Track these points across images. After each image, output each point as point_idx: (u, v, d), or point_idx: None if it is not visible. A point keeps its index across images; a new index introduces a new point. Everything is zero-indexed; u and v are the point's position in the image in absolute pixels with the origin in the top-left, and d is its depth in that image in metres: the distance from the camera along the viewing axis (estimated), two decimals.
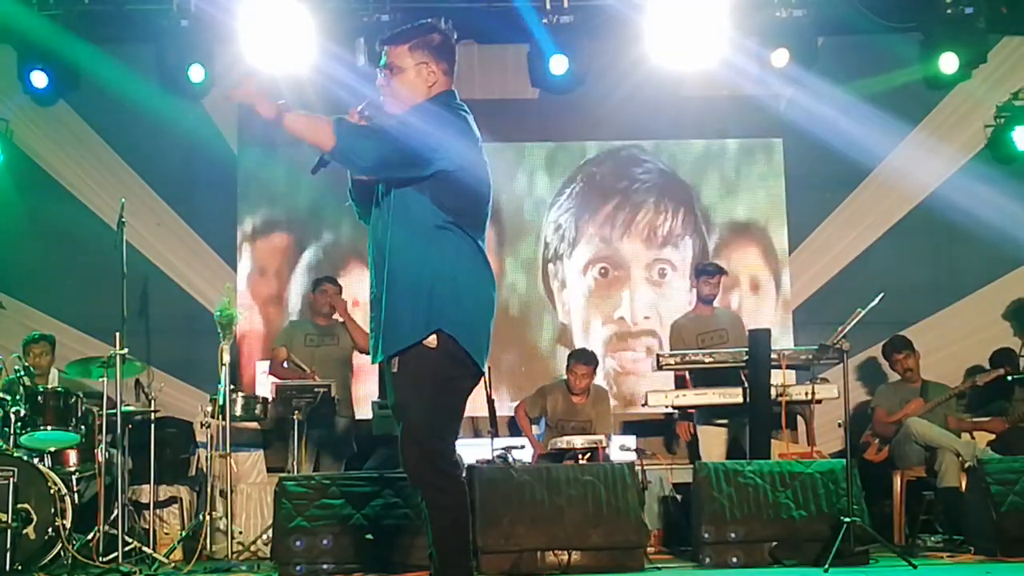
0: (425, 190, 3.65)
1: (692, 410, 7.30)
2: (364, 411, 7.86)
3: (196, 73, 8.14)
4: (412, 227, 3.65)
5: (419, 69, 3.76)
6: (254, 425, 7.53)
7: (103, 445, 6.36)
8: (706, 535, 5.96)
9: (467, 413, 8.08)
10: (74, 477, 6.51)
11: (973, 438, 7.31)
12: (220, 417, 6.58)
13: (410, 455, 3.65)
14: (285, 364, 7.39)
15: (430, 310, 3.62)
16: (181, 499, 7.19)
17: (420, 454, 3.64)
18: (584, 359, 7.40)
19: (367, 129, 3.65)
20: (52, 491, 5.99)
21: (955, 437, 7.05)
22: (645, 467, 6.84)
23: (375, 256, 3.74)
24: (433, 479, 3.65)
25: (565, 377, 7.47)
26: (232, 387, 6.75)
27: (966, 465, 6.76)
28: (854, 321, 6.30)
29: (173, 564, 6.46)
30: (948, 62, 8.28)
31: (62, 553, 5.94)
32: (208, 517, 6.54)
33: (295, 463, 6.78)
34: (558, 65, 8.26)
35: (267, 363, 7.84)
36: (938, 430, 7.05)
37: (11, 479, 5.86)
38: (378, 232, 3.73)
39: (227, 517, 6.57)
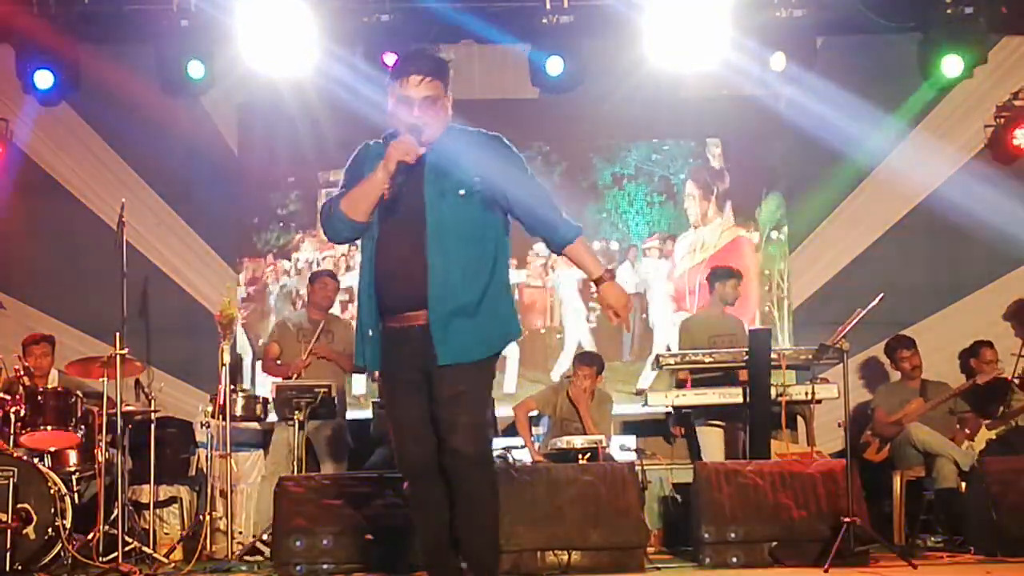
0: (500, 212, 3.97)
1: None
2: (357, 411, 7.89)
3: (195, 69, 8.12)
4: (486, 241, 3.93)
5: (447, 101, 3.97)
6: (254, 425, 7.53)
7: (103, 445, 6.36)
8: (706, 535, 5.95)
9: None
10: (74, 477, 6.51)
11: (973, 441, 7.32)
12: (220, 417, 6.58)
13: (473, 448, 3.82)
14: (278, 361, 7.37)
15: (514, 316, 4.00)
16: (181, 499, 7.19)
17: (482, 447, 3.88)
18: (587, 361, 7.42)
19: (554, 206, 4.00)
20: (52, 491, 5.99)
21: (954, 446, 7.05)
22: (645, 467, 6.84)
23: (462, 261, 3.85)
24: (489, 470, 3.90)
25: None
26: (232, 387, 6.75)
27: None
28: (854, 321, 6.30)
29: (173, 564, 6.46)
30: (951, 65, 8.27)
31: (62, 553, 5.94)
32: (208, 517, 6.54)
33: (295, 463, 6.76)
34: (554, 66, 8.25)
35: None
36: (938, 438, 7.04)
37: (11, 479, 5.87)
38: (435, 251, 3.83)
39: (227, 517, 6.57)
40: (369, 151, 4.05)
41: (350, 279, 8.38)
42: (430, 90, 3.90)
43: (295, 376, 7.15)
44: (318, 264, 8.58)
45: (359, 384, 8.46)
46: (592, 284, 4.02)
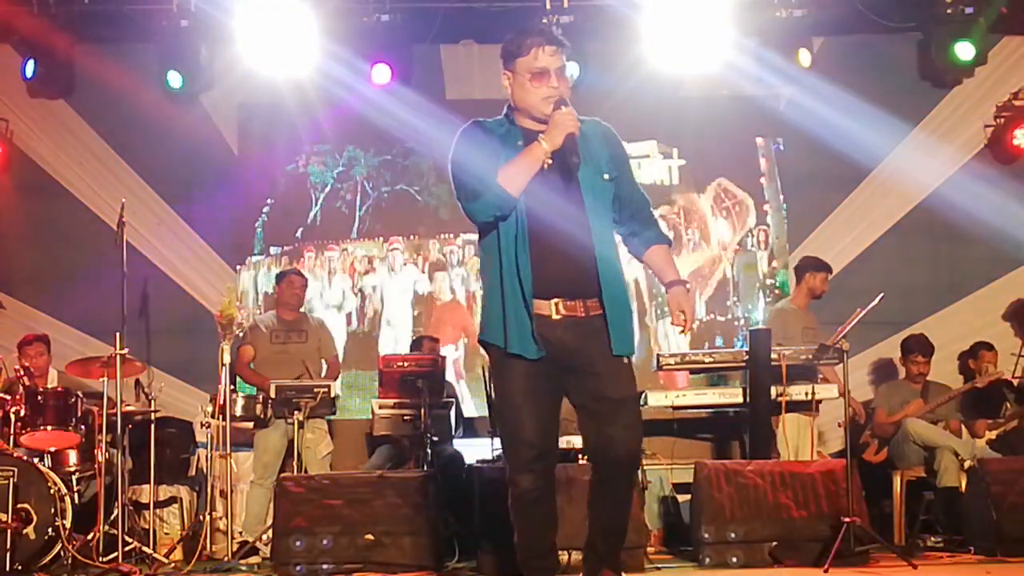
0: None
1: None
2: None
3: (173, 79, 8.10)
4: (616, 243, 3.94)
5: None
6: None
7: (103, 445, 6.36)
8: (706, 535, 5.95)
9: (467, 414, 8.13)
10: (74, 477, 6.51)
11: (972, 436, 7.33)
12: (220, 417, 6.58)
13: (636, 443, 3.84)
14: (252, 365, 7.31)
15: None
16: (181, 499, 7.19)
17: (640, 442, 3.88)
18: None
19: (649, 205, 4.09)
20: (52, 491, 5.99)
21: (953, 436, 7.07)
22: (645, 467, 6.83)
23: (613, 249, 3.87)
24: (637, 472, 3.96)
25: None
26: (232, 387, 6.74)
27: (965, 464, 6.78)
28: (854, 321, 6.30)
29: (173, 564, 6.45)
30: (963, 50, 8.24)
31: (62, 553, 5.94)
32: (208, 517, 6.54)
33: (297, 464, 6.76)
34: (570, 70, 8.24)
35: None
36: (936, 430, 7.07)
37: (11, 479, 5.87)
38: (598, 233, 3.81)
39: (227, 517, 6.57)
40: (490, 128, 3.90)
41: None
42: (562, 61, 3.83)
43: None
44: (329, 264, 8.60)
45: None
46: (664, 286, 3.97)
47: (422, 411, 6.54)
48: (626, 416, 3.77)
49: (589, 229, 3.76)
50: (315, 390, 6.79)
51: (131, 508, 6.50)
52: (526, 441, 3.76)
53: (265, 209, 8.71)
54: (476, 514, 6.01)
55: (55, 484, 6.08)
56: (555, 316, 3.75)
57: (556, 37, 3.86)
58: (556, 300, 3.76)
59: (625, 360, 3.81)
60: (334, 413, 7.20)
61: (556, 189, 3.77)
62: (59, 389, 6.58)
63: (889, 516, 7.08)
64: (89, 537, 6.12)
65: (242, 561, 6.47)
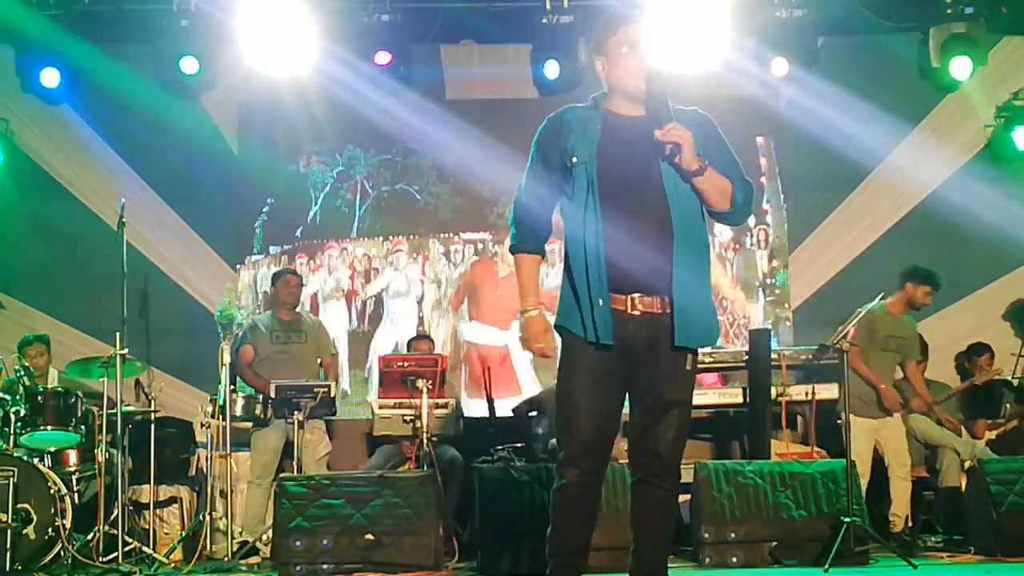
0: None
1: None
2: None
3: (189, 65, 8.08)
4: (703, 237, 3.79)
5: None
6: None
7: (103, 445, 6.36)
8: (706, 535, 5.96)
9: (467, 413, 8.15)
10: (74, 477, 6.53)
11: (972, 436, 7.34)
12: (220, 417, 6.58)
13: (679, 445, 3.73)
14: (252, 365, 7.25)
15: None
16: (181, 499, 7.19)
17: (680, 460, 3.75)
18: None
19: (748, 184, 3.80)
20: (52, 491, 6.00)
21: (955, 436, 7.08)
22: None
23: (682, 246, 3.68)
24: (678, 482, 3.79)
25: None
26: (232, 387, 6.74)
27: (966, 464, 6.78)
28: (854, 321, 6.30)
29: (173, 564, 6.46)
30: (960, 67, 8.26)
31: (62, 553, 5.95)
32: (208, 517, 6.54)
33: (295, 463, 6.76)
34: (551, 70, 8.23)
35: None
36: (938, 428, 7.08)
37: (11, 479, 5.88)
38: (679, 224, 3.66)
39: (227, 517, 6.57)
40: (568, 118, 3.85)
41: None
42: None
43: None
44: (329, 263, 8.60)
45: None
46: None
47: (422, 411, 6.54)
48: (674, 418, 3.68)
49: (670, 220, 3.64)
50: (315, 390, 6.79)
51: (131, 508, 6.51)
52: (578, 438, 3.70)
53: (265, 209, 8.70)
54: (476, 514, 6.02)
55: (55, 484, 6.09)
56: (631, 311, 3.64)
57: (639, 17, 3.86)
58: (634, 295, 3.65)
59: (688, 363, 3.70)
60: (334, 413, 7.20)
61: (636, 179, 3.66)
62: (59, 389, 6.58)
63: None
64: (89, 537, 6.12)
65: (242, 561, 6.47)
